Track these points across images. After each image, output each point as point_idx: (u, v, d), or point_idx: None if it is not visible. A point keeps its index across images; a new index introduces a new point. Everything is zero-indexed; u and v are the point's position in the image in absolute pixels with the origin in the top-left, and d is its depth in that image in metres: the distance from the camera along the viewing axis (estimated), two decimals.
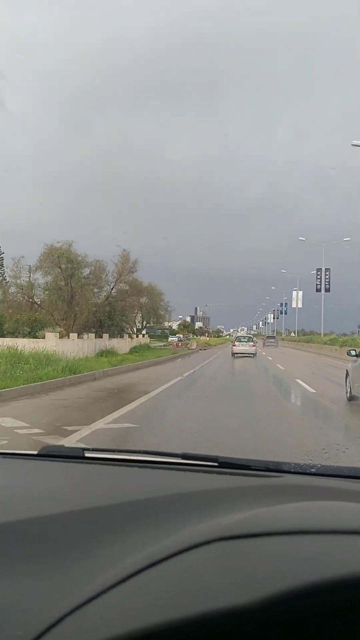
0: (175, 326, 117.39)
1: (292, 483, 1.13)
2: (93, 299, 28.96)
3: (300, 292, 75.77)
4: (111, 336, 29.85)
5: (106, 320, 31.05)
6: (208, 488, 1.08)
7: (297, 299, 75.85)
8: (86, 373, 15.00)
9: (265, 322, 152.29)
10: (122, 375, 16.77)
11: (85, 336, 26.17)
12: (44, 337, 20.69)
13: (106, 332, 29.01)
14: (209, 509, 0.88)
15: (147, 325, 60.32)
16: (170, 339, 65.77)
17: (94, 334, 26.97)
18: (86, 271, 28.86)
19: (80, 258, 28.02)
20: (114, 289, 31.46)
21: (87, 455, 1.43)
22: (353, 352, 10.63)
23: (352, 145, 26.48)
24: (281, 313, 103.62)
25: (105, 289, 30.94)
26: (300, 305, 76.40)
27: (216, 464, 1.29)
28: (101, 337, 27.50)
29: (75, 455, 1.45)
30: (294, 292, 76.52)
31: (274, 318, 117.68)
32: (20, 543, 0.80)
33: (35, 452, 1.48)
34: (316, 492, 1.04)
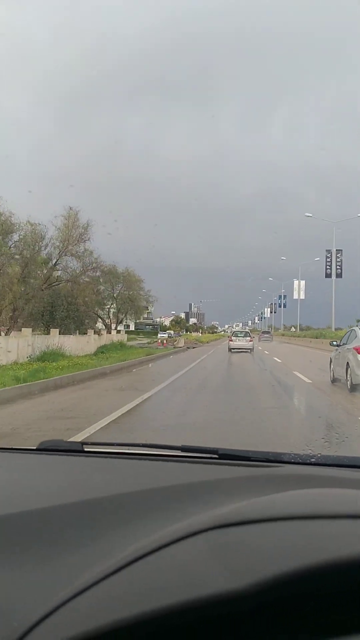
0: (167, 322, 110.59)
1: (292, 473, 1.13)
2: (28, 279, 20.26)
3: (303, 282, 67.52)
4: (66, 332, 21.85)
5: (59, 312, 23.01)
6: (208, 479, 1.09)
7: (298, 289, 67.42)
8: None
9: (261, 317, 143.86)
10: None
11: (29, 332, 17.61)
12: None
13: (56, 327, 20.90)
14: (208, 500, 0.88)
15: (137, 320, 52.77)
16: (159, 335, 58.14)
17: (31, 330, 18.62)
18: (14, 238, 20.40)
19: (3, 219, 19.31)
20: (57, 264, 22.89)
21: (86, 449, 1.45)
22: (335, 343, 12.61)
23: None
24: (279, 306, 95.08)
25: (49, 265, 22.41)
26: (302, 297, 67.99)
27: (216, 455, 1.29)
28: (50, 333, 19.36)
29: (74, 449, 1.47)
30: (295, 282, 68.21)
31: (271, 312, 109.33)
32: (18, 535, 0.82)
33: (34, 447, 1.49)
34: (315, 481, 1.03)
